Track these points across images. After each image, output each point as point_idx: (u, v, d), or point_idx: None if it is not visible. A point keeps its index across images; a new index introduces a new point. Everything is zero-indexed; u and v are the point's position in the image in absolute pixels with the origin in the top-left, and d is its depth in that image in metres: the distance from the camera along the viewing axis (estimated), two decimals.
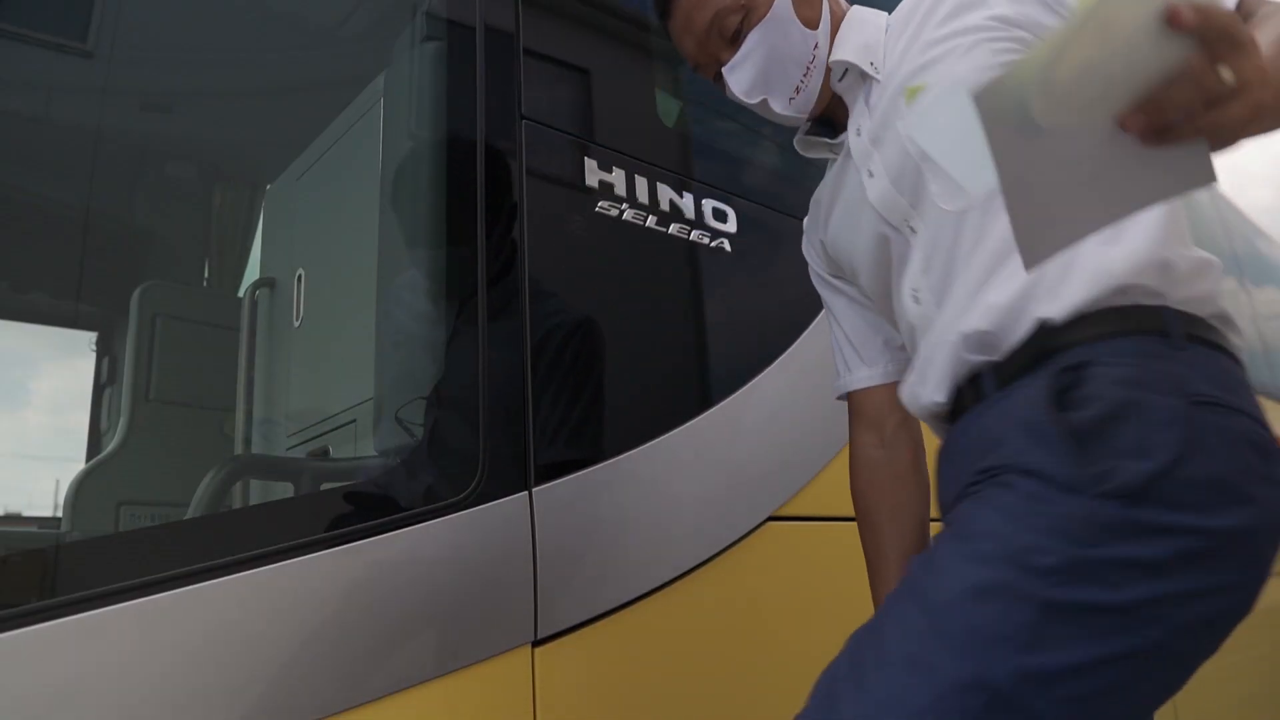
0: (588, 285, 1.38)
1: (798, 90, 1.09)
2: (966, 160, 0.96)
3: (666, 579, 1.31)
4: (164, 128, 2.40)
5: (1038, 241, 0.73)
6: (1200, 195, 3.93)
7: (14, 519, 2.60)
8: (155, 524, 1.71)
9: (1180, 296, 0.88)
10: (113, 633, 0.89)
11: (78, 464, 2.19)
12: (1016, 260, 0.81)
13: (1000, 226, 0.92)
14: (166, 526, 1.21)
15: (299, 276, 1.83)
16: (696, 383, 1.47)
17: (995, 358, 0.91)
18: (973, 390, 0.93)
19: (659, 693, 1.28)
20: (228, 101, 2.30)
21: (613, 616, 1.24)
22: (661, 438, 1.36)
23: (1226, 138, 0.67)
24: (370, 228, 1.55)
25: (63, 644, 0.86)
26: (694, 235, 1.52)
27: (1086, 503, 0.79)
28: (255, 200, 2.65)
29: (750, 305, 1.58)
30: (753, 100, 1.09)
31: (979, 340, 0.92)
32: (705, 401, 1.45)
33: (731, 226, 1.57)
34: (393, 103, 1.53)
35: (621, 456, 1.30)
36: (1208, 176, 0.69)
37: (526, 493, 1.19)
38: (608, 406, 1.34)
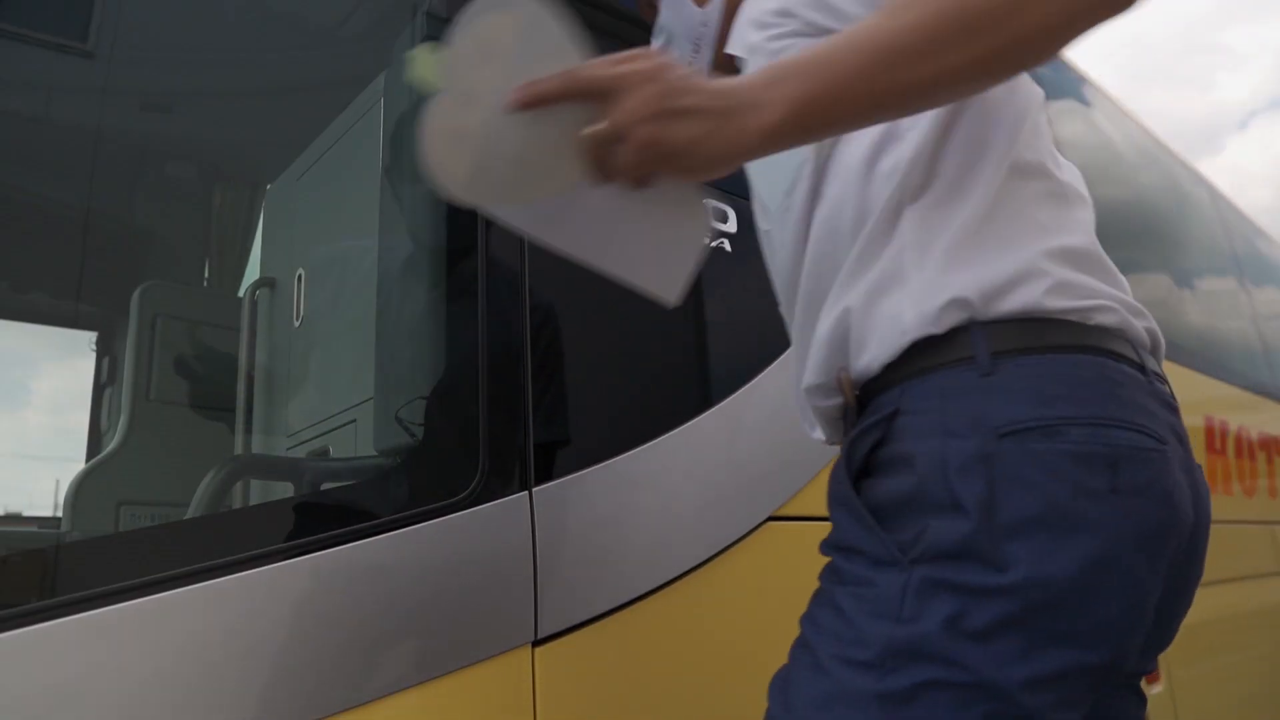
0: (587, 285, 1.38)
1: (691, 66, 1.00)
2: (767, 177, 0.94)
3: (667, 579, 1.31)
4: (164, 127, 2.40)
5: (659, 279, 0.76)
6: (1200, 195, 3.93)
7: (14, 519, 2.61)
8: (155, 524, 1.71)
9: (994, 309, 0.78)
10: (112, 633, 0.89)
11: (78, 464, 2.19)
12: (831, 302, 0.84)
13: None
14: (166, 526, 1.21)
15: (299, 276, 1.83)
16: (696, 382, 1.47)
17: (832, 402, 0.89)
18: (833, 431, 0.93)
19: (659, 692, 1.28)
20: (228, 101, 2.30)
21: (613, 616, 1.24)
22: (661, 437, 1.36)
23: (651, 170, 0.70)
24: (370, 228, 1.55)
25: (62, 644, 0.86)
26: None
27: (900, 575, 0.75)
28: (255, 200, 2.65)
29: (750, 305, 1.58)
30: None
31: (816, 391, 0.90)
32: (705, 401, 1.45)
33: (731, 226, 1.57)
34: (393, 102, 1.53)
35: (621, 456, 1.30)
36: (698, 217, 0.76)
37: (526, 492, 1.19)
38: (608, 406, 1.34)
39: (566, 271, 1.35)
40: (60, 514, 2.06)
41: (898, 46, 0.67)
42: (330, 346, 1.75)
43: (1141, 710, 0.89)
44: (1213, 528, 0.86)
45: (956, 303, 0.78)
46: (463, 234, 1.28)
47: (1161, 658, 0.91)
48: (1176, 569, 0.80)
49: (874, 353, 0.82)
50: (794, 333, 0.95)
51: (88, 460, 2.32)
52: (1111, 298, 0.81)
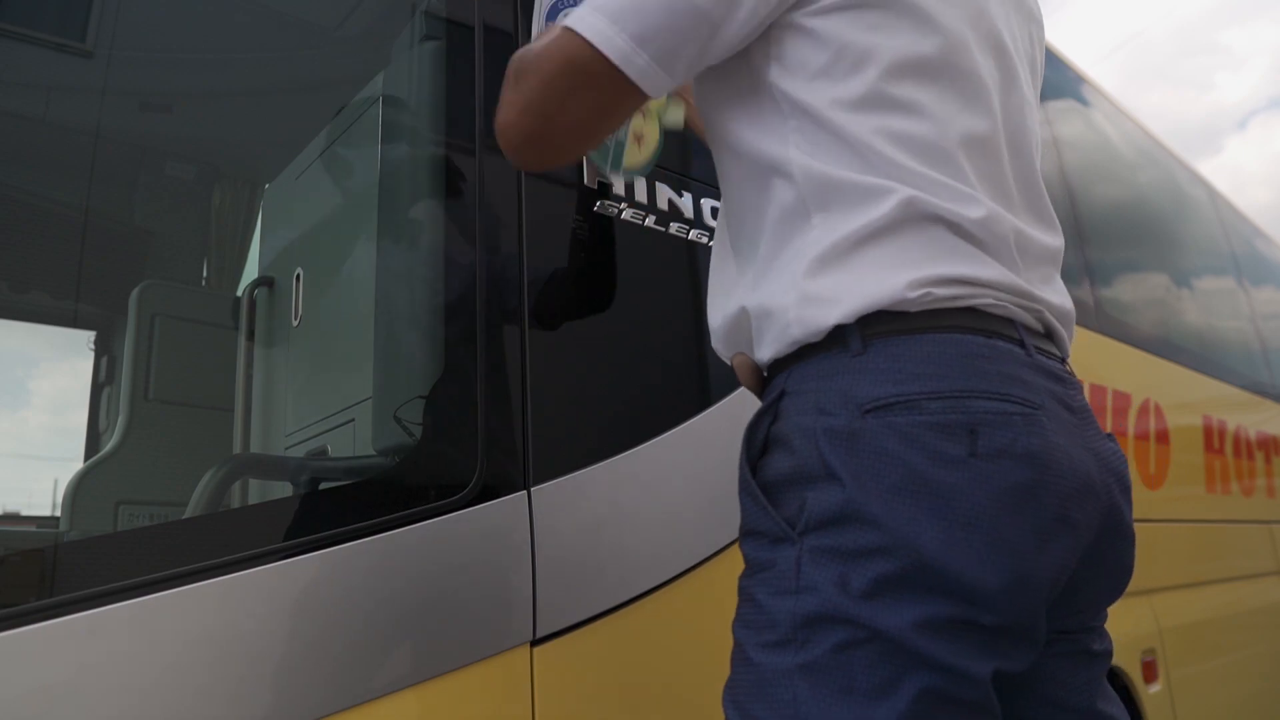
0: (587, 284, 1.38)
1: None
2: None
3: (666, 578, 1.31)
4: (163, 127, 2.40)
5: None
6: (1200, 195, 3.94)
7: (13, 518, 2.61)
8: (153, 523, 1.71)
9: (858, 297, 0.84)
10: (111, 632, 0.89)
11: (76, 463, 2.19)
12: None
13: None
14: (164, 526, 1.21)
15: (297, 276, 1.82)
16: (695, 381, 1.47)
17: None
18: None
19: (658, 692, 1.28)
20: (226, 101, 2.30)
21: (611, 615, 1.24)
22: (661, 436, 1.36)
23: None
24: (369, 227, 1.55)
25: (61, 643, 0.86)
26: (692, 234, 1.52)
27: (792, 550, 0.81)
28: (254, 199, 2.65)
29: None
30: None
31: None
32: (704, 400, 1.45)
33: None
34: (391, 102, 1.53)
35: (621, 455, 1.30)
36: None
37: (525, 492, 1.19)
38: (607, 405, 1.34)
39: (566, 271, 1.35)
40: (59, 513, 2.06)
41: None
42: (328, 345, 1.75)
43: (1093, 670, 0.93)
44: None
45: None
46: (462, 233, 1.28)
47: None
48: (1090, 530, 0.84)
49: (767, 349, 0.91)
50: None
51: (86, 459, 2.32)
52: (988, 285, 0.86)
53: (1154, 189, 3.61)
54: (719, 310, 0.99)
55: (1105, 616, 0.96)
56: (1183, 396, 2.97)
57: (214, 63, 2.16)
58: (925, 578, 0.76)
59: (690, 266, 1.51)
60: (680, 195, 1.51)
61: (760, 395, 0.97)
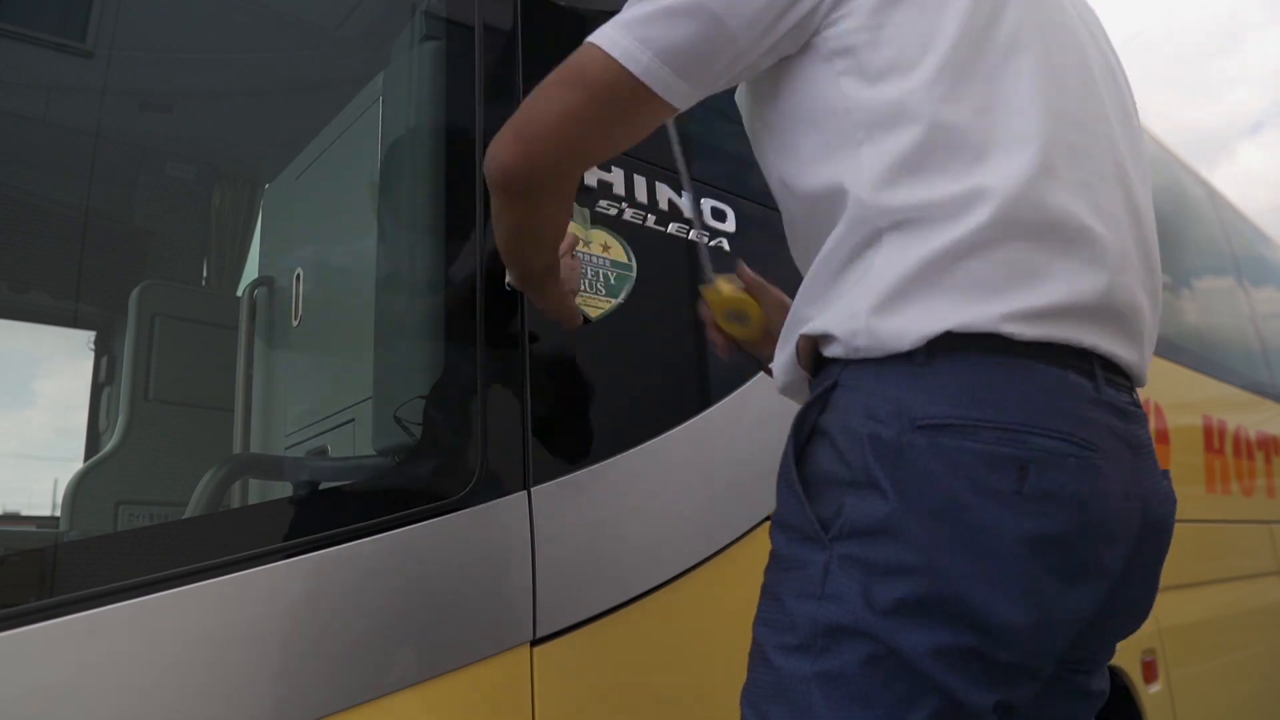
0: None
1: None
2: None
3: (665, 578, 1.31)
4: (163, 127, 2.40)
5: None
6: (1199, 195, 3.94)
7: (13, 518, 2.61)
8: (153, 523, 1.71)
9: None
10: (111, 632, 0.89)
11: (76, 463, 2.19)
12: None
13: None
14: (164, 526, 1.21)
15: (297, 276, 1.82)
16: (695, 382, 1.47)
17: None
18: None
19: (657, 692, 1.28)
20: (226, 101, 2.30)
21: (611, 616, 1.24)
22: (661, 437, 1.36)
23: None
24: (369, 227, 1.55)
25: (61, 643, 0.86)
26: (692, 234, 1.52)
27: (822, 553, 0.79)
28: (254, 199, 2.65)
29: None
30: None
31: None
32: (704, 401, 1.45)
33: (730, 226, 1.57)
34: (391, 102, 1.53)
35: (620, 455, 1.30)
36: None
37: (525, 492, 1.19)
38: (607, 405, 1.34)
39: None
40: (59, 513, 2.06)
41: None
42: (328, 345, 1.75)
43: (1084, 712, 0.92)
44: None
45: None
46: (462, 233, 1.28)
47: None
48: (1118, 574, 0.82)
49: (828, 339, 0.86)
50: None
51: (86, 459, 2.32)
52: (1065, 309, 0.81)
53: (1154, 189, 3.60)
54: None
55: (1112, 653, 0.94)
56: (1183, 396, 2.97)
57: (214, 63, 2.16)
58: (950, 606, 0.75)
59: (690, 266, 1.51)
60: (680, 195, 1.51)
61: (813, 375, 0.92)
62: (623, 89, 0.86)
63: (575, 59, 0.89)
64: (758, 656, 0.84)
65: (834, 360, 0.85)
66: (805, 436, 0.85)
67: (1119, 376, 0.87)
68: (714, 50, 0.86)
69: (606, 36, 0.87)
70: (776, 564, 0.86)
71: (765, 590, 0.87)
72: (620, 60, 0.85)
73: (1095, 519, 0.78)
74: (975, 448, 0.76)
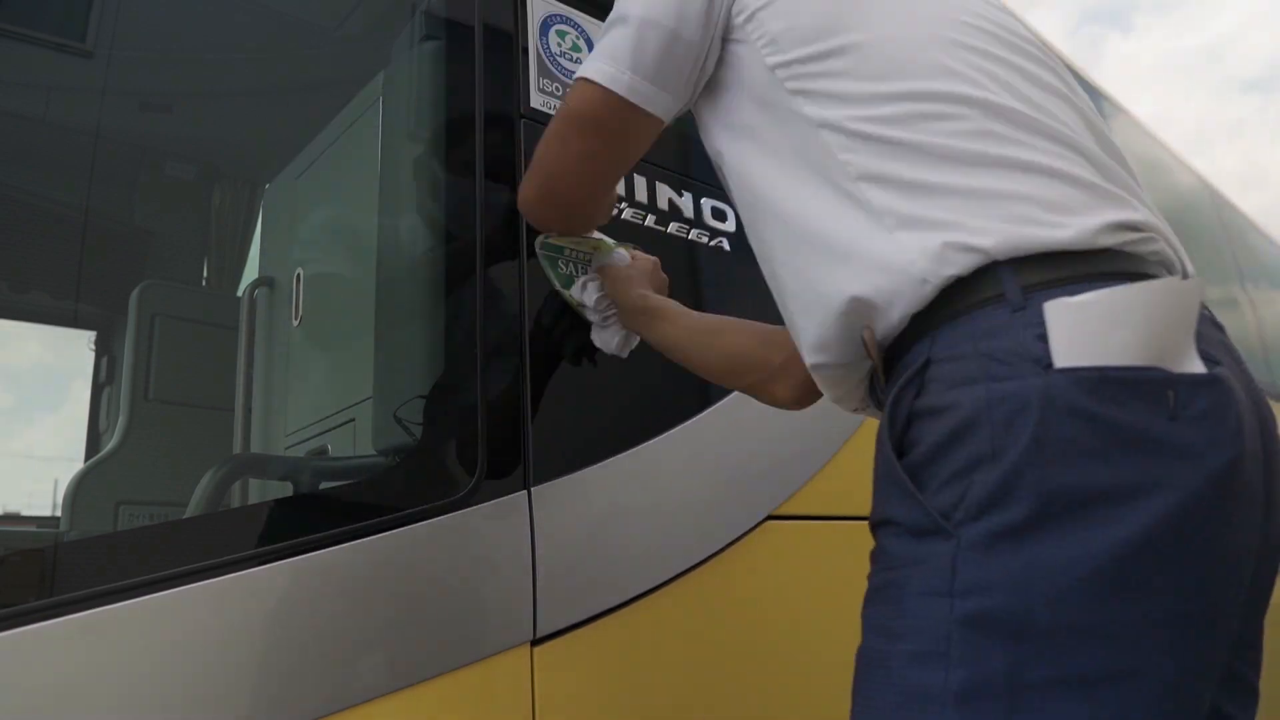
0: None
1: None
2: None
3: (666, 578, 1.31)
4: (163, 127, 2.40)
5: None
6: (1199, 194, 3.94)
7: (13, 518, 2.61)
8: (153, 523, 1.70)
9: (1008, 244, 0.75)
10: (111, 632, 0.89)
11: (76, 463, 2.19)
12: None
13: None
14: (164, 526, 1.21)
15: (298, 275, 1.83)
16: (695, 381, 1.47)
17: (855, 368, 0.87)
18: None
19: (658, 692, 1.28)
20: (226, 101, 2.30)
21: (612, 615, 1.24)
22: (661, 436, 1.36)
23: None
24: (369, 227, 1.55)
25: (61, 643, 0.86)
26: (693, 234, 1.52)
27: (947, 544, 0.70)
28: (254, 199, 2.65)
29: (749, 304, 1.57)
30: None
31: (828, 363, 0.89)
32: (704, 400, 1.45)
33: (730, 226, 1.57)
34: (392, 102, 1.53)
35: (621, 455, 1.30)
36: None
37: (525, 491, 1.19)
38: (607, 405, 1.34)
39: None
40: (59, 513, 2.06)
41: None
42: (328, 345, 1.75)
43: (1250, 711, 0.80)
44: None
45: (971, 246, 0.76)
46: (461, 232, 1.28)
47: None
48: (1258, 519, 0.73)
49: (900, 308, 0.78)
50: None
51: (86, 459, 2.32)
52: (1149, 225, 0.77)
53: (1153, 189, 3.60)
54: (814, 315, 0.86)
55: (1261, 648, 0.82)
56: None
57: (214, 63, 2.16)
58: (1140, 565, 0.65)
59: (690, 266, 1.51)
60: (680, 195, 1.51)
61: (885, 377, 0.83)
62: (615, 112, 0.97)
63: (571, 97, 1.00)
64: (874, 663, 0.75)
65: (914, 338, 0.78)
66: (903, 425, 0.77)
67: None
68: (680, 56, 0.96)
69: (592, 68, 0.97)
70: (883, 562, 0.78)
71: (875, 594, 0.78)
72: (608, 86, 0.96)
73: (1245, 445, 0.70)
74: (1115, 376, 0.68)
